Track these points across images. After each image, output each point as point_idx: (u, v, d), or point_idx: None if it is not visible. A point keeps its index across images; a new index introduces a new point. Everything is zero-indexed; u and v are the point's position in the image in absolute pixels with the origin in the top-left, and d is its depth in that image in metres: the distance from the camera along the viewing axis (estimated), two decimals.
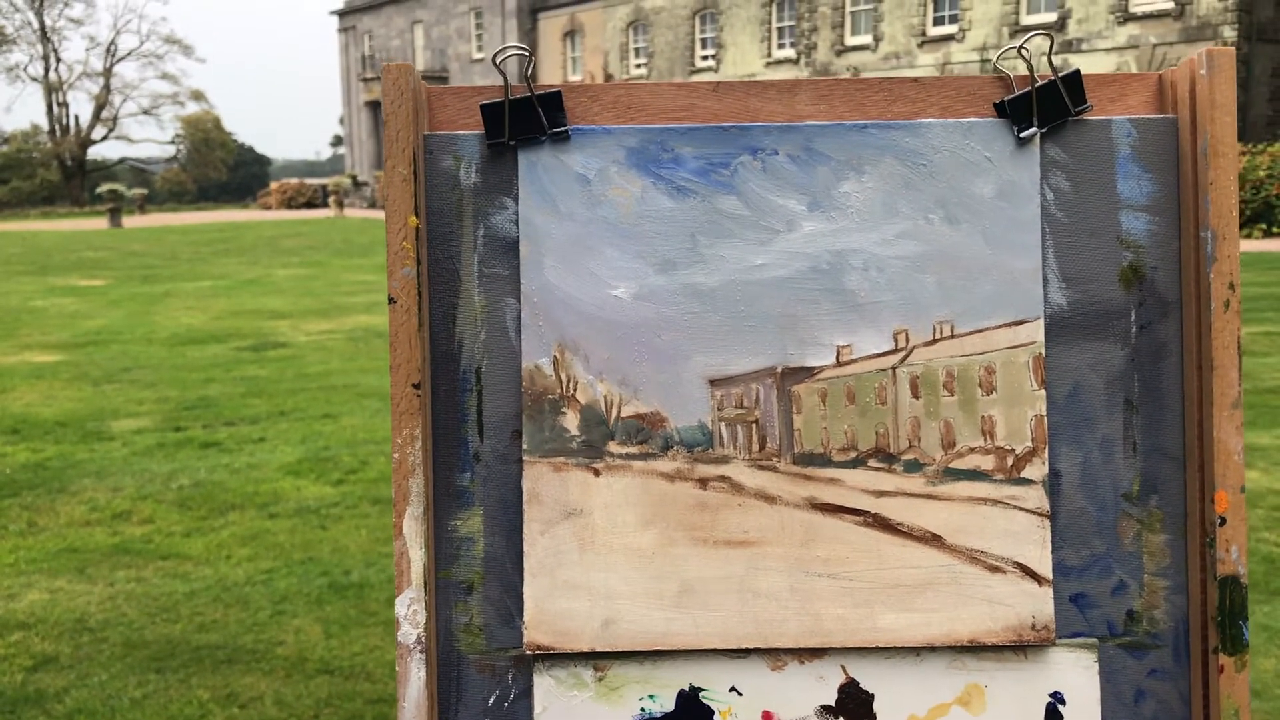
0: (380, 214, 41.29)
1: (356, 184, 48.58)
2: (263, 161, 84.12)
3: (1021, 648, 1.16)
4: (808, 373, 1.16)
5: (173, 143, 68.34)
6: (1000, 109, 1.18)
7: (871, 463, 1.16)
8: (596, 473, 1.16)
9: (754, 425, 1.16)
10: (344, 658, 3.73)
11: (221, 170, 68.97)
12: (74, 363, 9.66)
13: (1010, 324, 1.16)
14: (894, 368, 1.16)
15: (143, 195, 47.68)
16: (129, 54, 67.20)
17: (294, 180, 52.83)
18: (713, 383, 1.16)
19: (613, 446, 1.16)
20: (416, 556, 1.12)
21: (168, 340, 10.90)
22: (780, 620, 1.15)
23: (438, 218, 1.16)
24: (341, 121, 58.57)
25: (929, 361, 1.16)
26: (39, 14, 64.97)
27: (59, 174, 66.16)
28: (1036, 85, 1.17)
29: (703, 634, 1.16)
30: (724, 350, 1.16)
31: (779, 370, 1.16)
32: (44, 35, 65.34)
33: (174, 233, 32.04)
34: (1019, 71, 1.18)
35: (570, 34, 43.12)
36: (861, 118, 1.17)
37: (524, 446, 1.16)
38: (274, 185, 52.24)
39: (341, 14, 54.88)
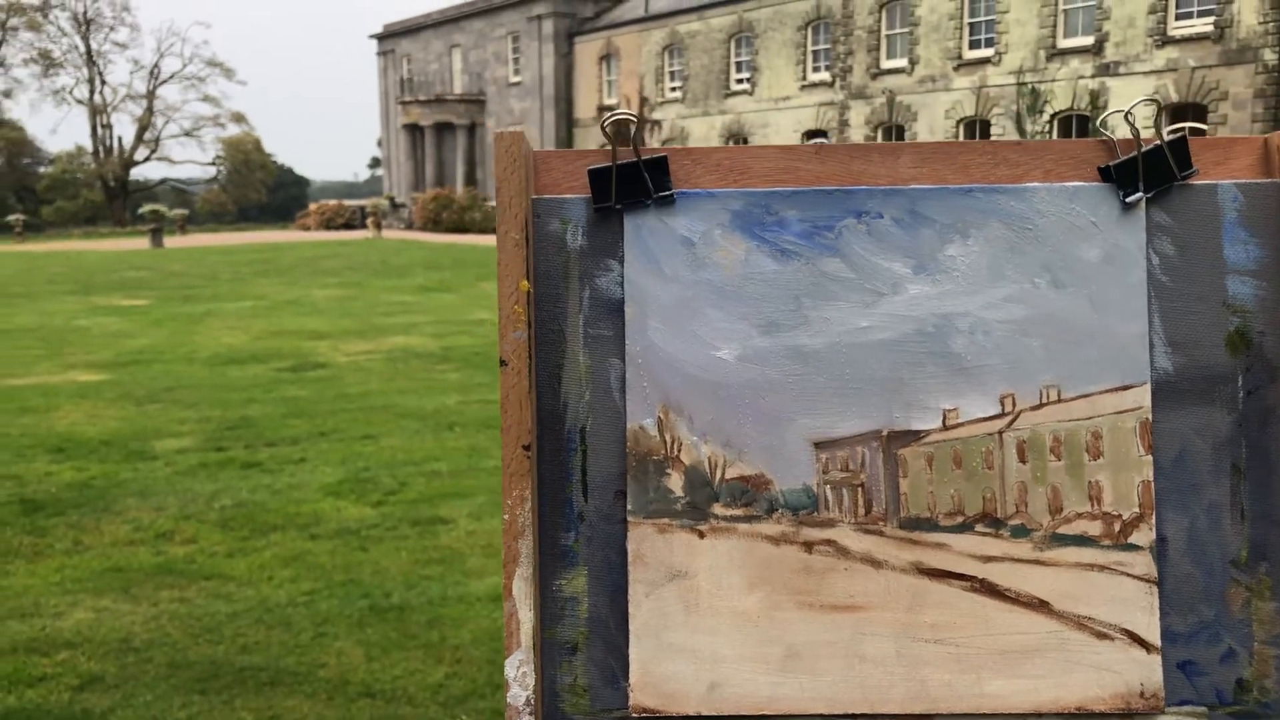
0: (417, 235, 41.63)
1: (394, 205, 49.01)
2: (301, 183, 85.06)
3: (1130, 715, 1.15)
4: (914, 436, 1.16)
5: (213, 164, 69.31)
6: (1105, 173, 1.18)
7: (978, 528, 1.15)
8: (701, 534, 1.16)
9: (860, 489, 1.16)
10: (385, 681, 3.74)
11: (261, 191, 69.79)
12: (117, 382, 9.78)
13: (1117, 389, 1.15)
14: (1000, 432, 1.15)
15: (184, 216, 48.32)
16: (172, 77, 68.22)
17: (332, 201, 53.36)
18: (818, 445, 1.16)
19: (717, 508, 1.16)
20: (526, 618, 1.13)
21: (209, 360, 11.01)
22: (886, 686, 1.15)
23: (544, 280, 1.18)
24: (380, 144, 59.16)
25: (1035, 426, 1.15)
26: (85, 38, 66.20)
27: (102, 194, 67.18)
28: (1142, 150, 1.18)
29: (808, 699, 1.15)
30: (829, 413, 1.16)
31: (885, 433, 1.16)
32: (90, 59, 66.56)
33: (214, 253, 32.43)
34: (1121, 135, 1.18)
35: (606, 57, 43.38)
36: (965, 181, 1.17)
37: (629, 507, 1.16)
38: (313, 206, 52.79)
39: (380, 38, 55.54)
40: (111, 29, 67.27)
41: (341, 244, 36.13)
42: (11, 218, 46.81)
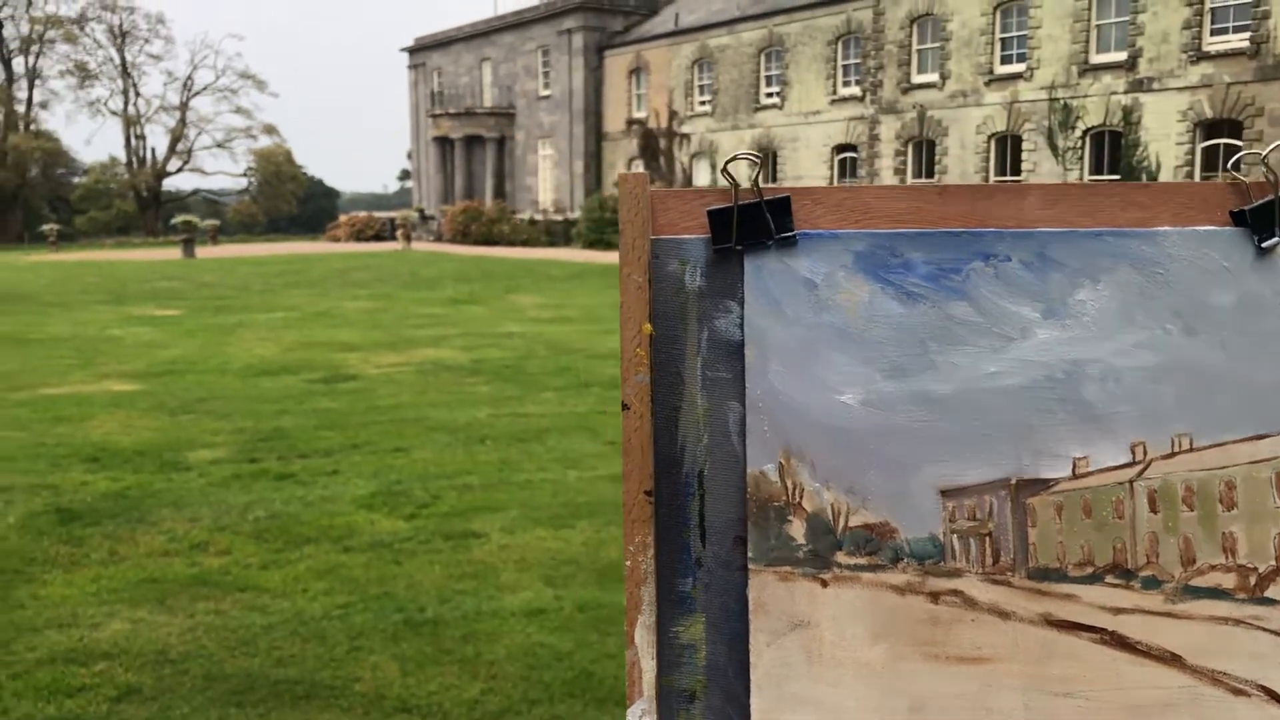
0: (446, 247, 41.82)
1: (424, 217, 49.27)
2: (332, 194, 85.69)
3: None
4: (1043, 485, 1.12)
5: (245, 175, 69.98)
6: (1238, 217, 1.14)
7: (1109, 579, 1.12)
8: (824, 583, 1.13)
9: (987, 538, 1.13)
10: (421, 696, 3.72)
11: (292, 203, 70.38)
12: (151, 392, 9.83)
13: (1251, 438, 1.12)
14: (1131, 481, 1.12)
15: (215, 227, 48.76)
16: (205, 88, 69.19)
17: (362, 214, 53.74)
18: (944, 493, 1.13)
19: (840, 557, 1.13)
20: (648, 667, 1.11)
21: (241, 371, 11.06)
22: None
23: (661, 321, 1.16)
24: (409, 156, 59.51)
25: (1167, 475, 1.12)
26: (120, 50, 67.09)
27: (135, 205, 67.94)
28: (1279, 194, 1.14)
29: None
30: (955, 460, 1.13)
31: (1013, 481, 1.13)
32: (125, 70, 67.42)
33: (245, 264, 32.70)
34: (1254, 178, 1.14)
35: (635, 71, 43.49)
36: (1093, 224, 1.15)
37: (749, 554, 1.14)
38: (343, 218, 53.17)
39: (411, 51, 55.94)
40: (146, 41, 68.46)
41: (371, 255, 36.36)
42: (46, 227, 47.41)
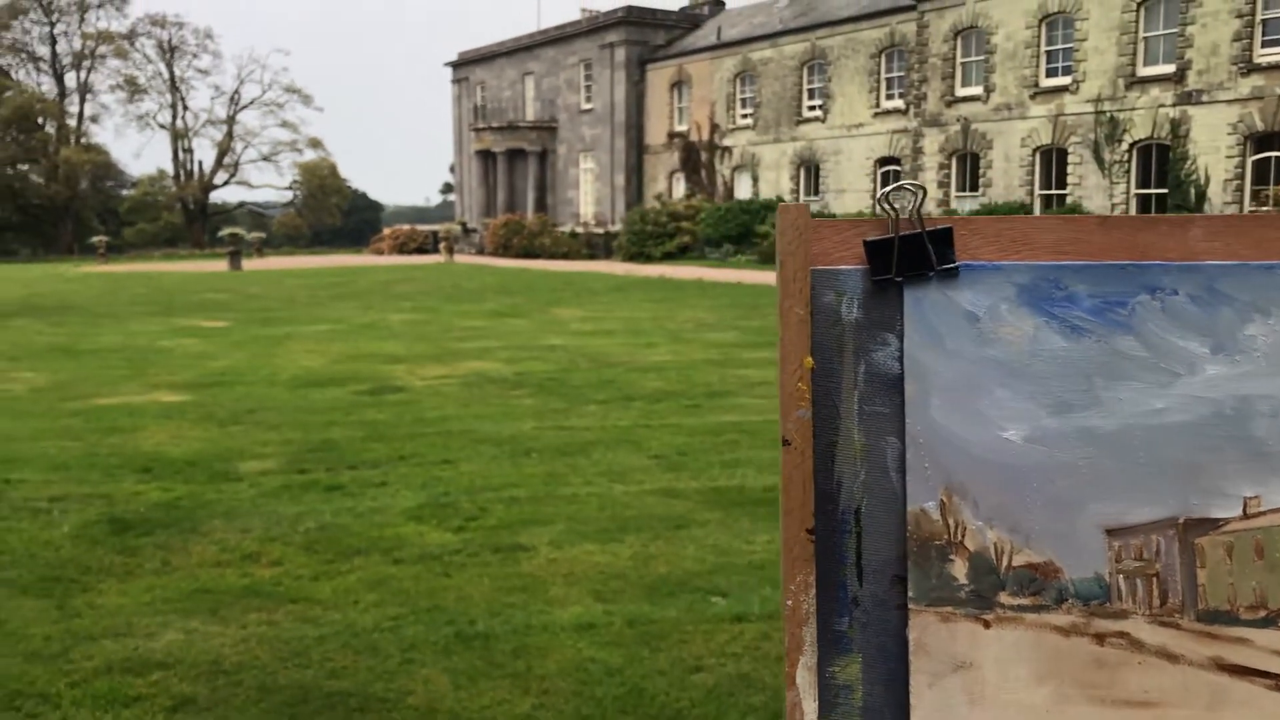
0: (488, 260, 42.07)
1: (466, 230, 49.62)
2: (375, 207, 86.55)
3: None
4: (1212, 524, 1.10)
5: (290, 188, 70.88)
6: None
7: None
8: (986, 624, 1.11)
9: (1154, 579, 1.11)
10: (473, 710, 3.72)
11: (336, 215, 71.16)
12: (200, 403, 9.94)
13: None
14: None
15: (261, 239, 49.40)
16: (251, 102, 69.96)
17: (405, 226, 54.20)
18: (1109, 532, 1.10)
19: (1003, 597, 1.11)
20: (810, 710, 1.09)
21: (289, 382, 11.16)
22: None
23: (817, 354, 1.14)
24: (452, 169, 59.99)
25: None
26: (169, 65, 68.28)
27: (182, 217, 69.02)
28: None
29: None
30: (1122, 498, 1.10)
31: (1181, 521, 1.10)
32: (173, 85, 68.59)
33: (291, 276, 33.07)
34: None
35: (677, 84, 43.59)
36: (1261, 256, 1.12)
37: (910, 594, 1.12)
38: (387, 231, 53.69)
39: (455, 66, 56.45)
40: (195, 56, 69.66)
41: (414, 268, 36.65)
42: (95, 239, 48.27)
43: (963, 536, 1.11)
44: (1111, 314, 1.11)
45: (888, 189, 1.13)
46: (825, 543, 1.12)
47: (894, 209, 1.13)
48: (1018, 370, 1.11)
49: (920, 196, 1.13)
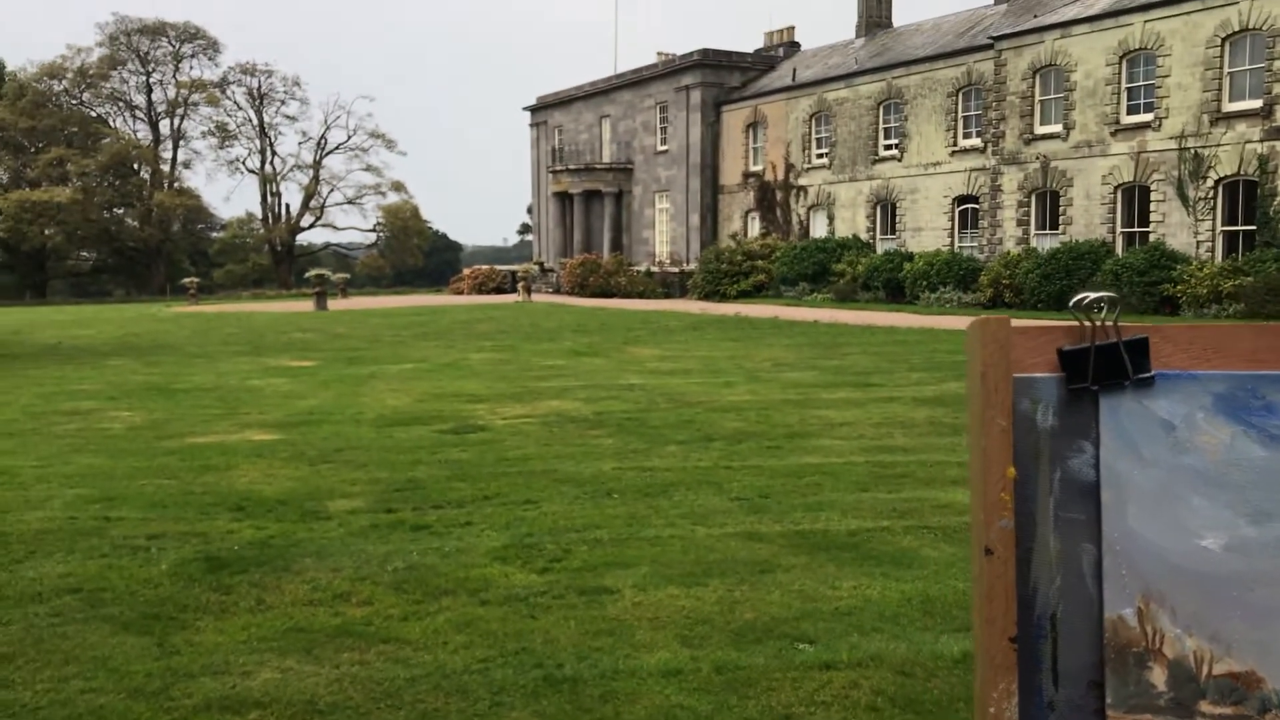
0: (564, 299, 42.45)
1: (543, 270, 50.21)
2: (455, 248, 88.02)
3: None
4: None
5: (374, 230, 72.46)
6: None
7: None
8: None
9: None
10: None
11: (418, 256, 72.50)
12: (290, 442, 10.15)
13: None
14: None
15: (345, 280, 50.52)
16: (337, 148, 71.80)
17: (484, 266, 55.05)
18: None
19: (1204, 705, 1.11)
20: None
21: (375, 421, 11.36)
22: None
23: (1014, 461, 1.15)
24: (529, 211, 60.88)
25: None
26: (259, 112, 70.57)
27: (269, 258, 70.95)
28: None
29: None
30: None
31: None
32: (262, 131, 70.82)
33: (375, 315, 33.72)
34: None
35: (753, 125, 43.75)
36: None
37: (1107, 700, 1.13)
38: (466, 271, 54.59)
39: (533, 110, 57.42)
40: (283, 103, 71.67)
41: (493, 307, 37.12)
42: (186, 280, 49.81)
43: (1161, 644, 1.10)
44: None
45: (1080, 297, 1.14)
46: (1022, 648, 1.13)
47: (1089, 318, 1.14)
48: (1215, 479, 1.11)
49: (1117, 308, 1.14)
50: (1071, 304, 1.13)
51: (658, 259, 47.22)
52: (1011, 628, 1.08)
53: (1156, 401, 1.12)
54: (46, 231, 62.40)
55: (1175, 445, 1.11)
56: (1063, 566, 1.12)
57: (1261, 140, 26.10)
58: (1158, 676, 1.09)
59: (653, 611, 5.16)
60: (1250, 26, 26.25)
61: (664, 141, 47.43)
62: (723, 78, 45.43)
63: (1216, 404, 1.11)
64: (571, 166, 50.67)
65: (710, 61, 45.28)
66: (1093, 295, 1.14)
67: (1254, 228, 26.45)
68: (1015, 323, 1.19)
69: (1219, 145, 26.95)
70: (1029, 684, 1.12)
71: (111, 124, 68.36)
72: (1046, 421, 1.13)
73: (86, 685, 4.37)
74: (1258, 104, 26.19)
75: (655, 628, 4.95)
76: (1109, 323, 1.12)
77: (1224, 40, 26.84)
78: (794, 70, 43.54)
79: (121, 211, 67.20)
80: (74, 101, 67.25)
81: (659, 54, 50.21)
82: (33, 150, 64.17)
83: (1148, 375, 1.12)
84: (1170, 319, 25.29)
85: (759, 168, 43.39)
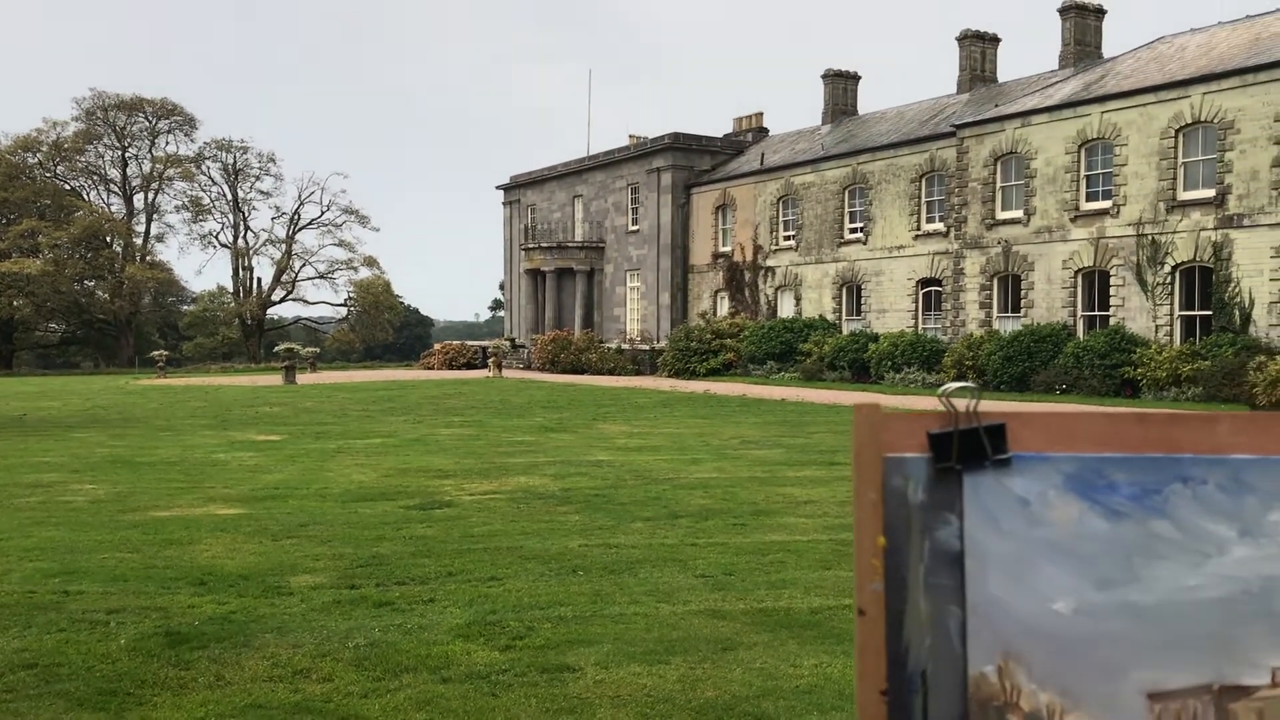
0: (535, 375, 42.52)
1: (515, 346, 50.37)
2: (426, 323, 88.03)
3: None
4: (1244, 691, 1.21)
5: (345, 304, 72.41)
6: None
7: None
8: None
9: None
10: None
11: (389, 331, 72.42)
12: (254, 516, 10.09)
13: None
14: None
15: (315, 354, 50.37)
16: (310, 223, 72.02)
17: (455, 342, 55.09)
18: (1151, 697, 1.22)
19: None
20: None
21: (340, 496, 11.32)
22: None
23: (888, 532, 1.28)
24: (502, 287, 61.16)
25: None
26: (233, 187, 70.80)
27: (239, 331, 70.67)
28: None
29: None
30: (1161, 666, 1.22)
31: (1216, 688, 1.21)
32: (236, 206, 71.00)
33: (344, 390, 33.60)
34: None
35: (721, 207, 44.47)
36: None
37: None
38: (437, 346, 54.63)
39: (507, 188, 58.09)
40: (257, 178, 71.76)
41: (463, 383, 37.11)
42: (155, 353, 49.51)
43: (1018, 698, 1.23)
44: (1148, 500, 1.24)
45: (947, 388, 1.30)
46: (895, 702, 1.24)
47: (954, 406, 1.28)
48: (1066, 549, 1.24)
49: (977, 396, 1.28)
50: (939, 393, 1.26)
51: (629, 336, 47.53)
52: (882, 682, 1.18)
53: (1014, 480, 1.25)
54: (15, 303, 61.95)
55: (1030, 519, 1.23)
56: (932, 627, 1.23)
57: (1215, 228, 26.84)
58: None
59: (614, 690, 5.17)
60: (1202, 119, 27.16)
61: (635, 221, 48.07)
62: (693, 160, 46.27)
63: (1067, 482, 1.24)
64: (544, 244, 51.18)
65: (681, 145, 46.15)
66: (955, 385, 1.29)
67: (1210, 313, 27.06)
68: (900, 407, 1.32)
69: (1175, 232, 27.68)
70: None
71: (85, 197, 68.30)
72: (917, 497, 1.26)
73: None
74: (1211, 193, 26.99)
75: (616, 706, 4.95)
76: (972, 409, 1.25)
77: (1178, 131, 27.73)
78: (762, 155, 44.44)
79: (92, 284, 66.84)
80: (48, 174, 67.29)
81: (631, 136, 51.12)
82: (4, 221, 63.98)
83: (1005, 456, 1.25)
84: (1130, 401, 25.71)
85: (728, 248, 44.00)
